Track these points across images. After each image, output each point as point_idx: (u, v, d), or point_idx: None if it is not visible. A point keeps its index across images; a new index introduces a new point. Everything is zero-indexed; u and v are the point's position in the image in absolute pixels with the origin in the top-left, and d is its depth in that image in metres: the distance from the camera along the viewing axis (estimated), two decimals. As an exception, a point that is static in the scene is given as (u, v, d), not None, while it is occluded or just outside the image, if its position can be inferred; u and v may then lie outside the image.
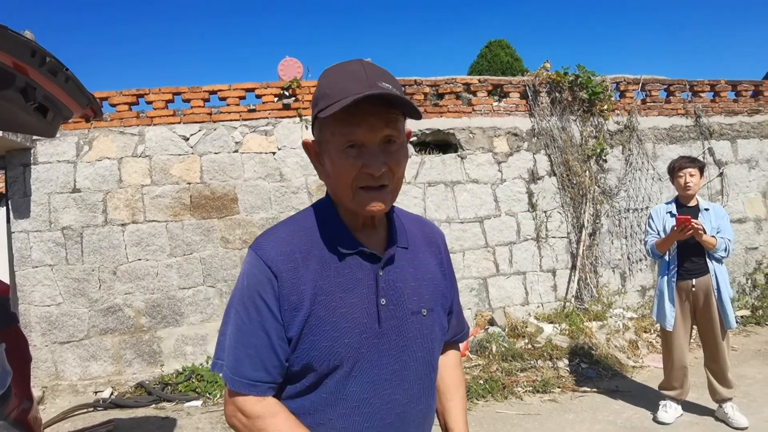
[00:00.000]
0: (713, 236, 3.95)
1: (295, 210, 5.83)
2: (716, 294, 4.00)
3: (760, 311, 6.63)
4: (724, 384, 4.14)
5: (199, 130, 5.80)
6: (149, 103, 5.79)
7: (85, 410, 4.96)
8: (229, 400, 1.23)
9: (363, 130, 1.14)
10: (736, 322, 6.35)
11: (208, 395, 5.15)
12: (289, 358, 1.21)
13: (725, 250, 3.98)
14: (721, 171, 7.07)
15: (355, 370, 1.21)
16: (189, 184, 5.73)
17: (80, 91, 2.65)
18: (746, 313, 6.65)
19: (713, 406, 4.27)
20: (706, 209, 4.11)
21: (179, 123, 5.78)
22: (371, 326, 1.22)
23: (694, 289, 4.05)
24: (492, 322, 5.85)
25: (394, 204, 1.36)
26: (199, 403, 5.06)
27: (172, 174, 5.70)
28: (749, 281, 7.02)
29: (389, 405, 1.24)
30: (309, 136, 5.90)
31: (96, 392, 5.35)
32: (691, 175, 4.06)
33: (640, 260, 6.57)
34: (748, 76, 8.48)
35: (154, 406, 5.06)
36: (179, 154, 5.73)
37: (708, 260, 4.02)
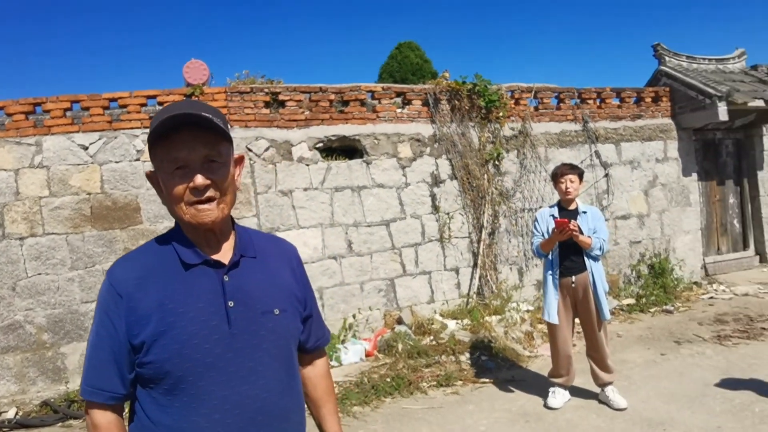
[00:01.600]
0: (589, 236, 4.35)
1: (202, 219, 5.80)
2: (592, 288, 4.41)
3: (644, 299, 7.25)
4: (604, 370, 4.56)
5: (99, 139, 5.66)
6: (47, 111, 5.59)
7: (-11, 432, 4.79)
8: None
9: (183, 152, 1.32)
10: (623, 309, 6.96)
11: (116, 409, 5.07)
12: (143, 362, 1.32)
13: (600, 249, 4.39)
14: (606, 172, 7.67)
15: (210, 370, 1.32)
16: (89, 194, 5.59)
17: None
18: (631, 301, 7.25)
19: (597, 390, 4.68)
20: (584, 212, 4.51)
21: (78, 132, 5.62)
22: (221, 327, 1.34)
23: (573, 285, 4.43)
24: (400, 321, 6.10)
25: (253, 227, 1.57)
26: (106, 418, 4.97)
27: (71, 185, 5.54)
28: (634, 272, 7.66)
29: (248, 400, 1.35)
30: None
31: (0, 413, 5.14)
32: (571, 182, 4.45)
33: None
34: (632, 84, 9.19)
35: (60, 424, 4.93)
36: (78, 164, 5.58)
37: (585, 259, 4.42)
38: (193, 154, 1.32)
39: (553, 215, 4.51)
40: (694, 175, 8.60)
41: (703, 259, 8.62)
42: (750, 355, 5.46)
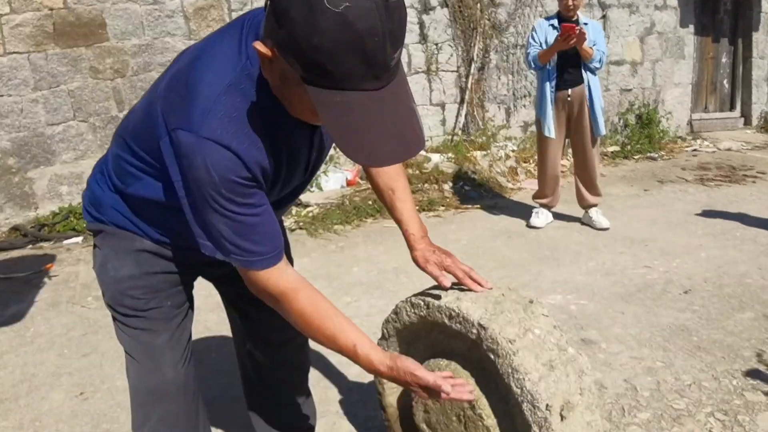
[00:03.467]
0: (590, 47, 4.12)
1: (170, 36, 5.42)
2: (589, 102, 4.24)
3: (629, 147, 7.18)
4: (591, 191, 4.50)
5: (57, -55, 5.09)
6: None
7: (-43, 257, 4.61)
8: (255, 280, 1.21)
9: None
10: (607, 155, 6.89)
11: (89, 232, 4.94)
12: None
13: (599, 61, 4.19)
14: (604, 13, 7.29)
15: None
16: (51, 10, 5.11)
17: None
18: (617, 148, 7.18)
19: (581, 214, 4.67)
20: (585, 23, 4.23)
21: (33, -62, 5.03)
22: (302, 175, 1.32)
23: (569, 98, 4.26)
24: (383, 156, 5.94)
25: None
26: (79, 239, 4.87)
27: (32, 0, 5.06)
28: (621, 120, 7.52)
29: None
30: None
31: (-34, 239, 4.98)
32: None
33: (525, 96, 6.80)
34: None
35: (30, 246, 4.80)
36: (37, -26, 5.05)
37: (583, 71, 4.22)
38: None
39: (553, 25, 4.23)
40: (691, 28, 8.26)
41: (690, 115, 8.51)
42: (732, 194, 5.50)
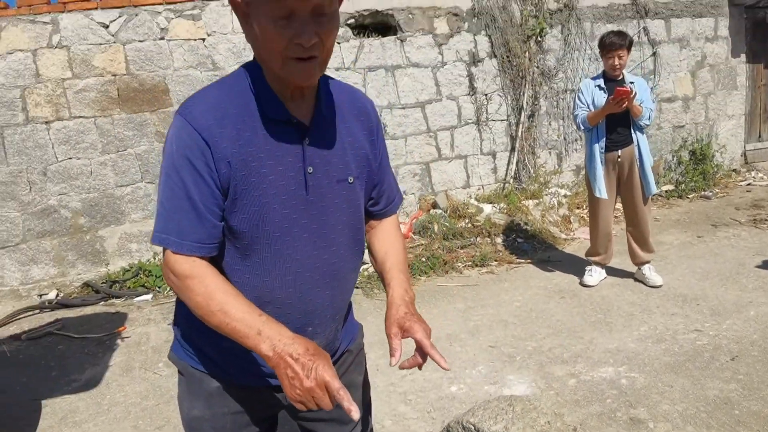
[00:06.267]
0: (639, 105, 4.14)
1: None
2: (638, 162, 4.25)
3: (683, 185, 7.06)
4: (644, 248, 4.48)
5: (120, 16, 5.40)
6: (60, -13, 5.33)
7: (31, 312, 4.85)
8: (164, 262, 1.27)
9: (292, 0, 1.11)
10: (661, 195, 6.80)
11: (158, 289, 5.18)
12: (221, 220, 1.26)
13: (648, 118, 4.21)
14: (654, 50, 7.21)
15: (286, 235, 1.28)
16: (115, 75, 5.43)
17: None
18: (670, 187, 7.07)
19: (633, 269, 4.64)
20: (632, 82, 4.25)
21: (96, 9, 5.34)
22: (299, 193, 1.28)
23: (620, 159, 4.27)
24: (435, 206, 6.04)
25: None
26: (149, 296, 5.08)
27: (95, 65, 5.37)
28: (675, 158, 7.40)
29: (321, 265, 1.34)
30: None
31: (41, 295, 5.24)
32: (620, 57, 4.18)
33: (576, 140, 6.79)
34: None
35: (102, 303, 5.03)
36: (100, 44, 5.37)
37: (632, 131, 4.24)
38: (303, 3, 1.12)
39: (599, 86, 4.27)
40: (742, 57, 8.06)
41: (744, 146, 8.28)
42: (785, 237, 5.37)
